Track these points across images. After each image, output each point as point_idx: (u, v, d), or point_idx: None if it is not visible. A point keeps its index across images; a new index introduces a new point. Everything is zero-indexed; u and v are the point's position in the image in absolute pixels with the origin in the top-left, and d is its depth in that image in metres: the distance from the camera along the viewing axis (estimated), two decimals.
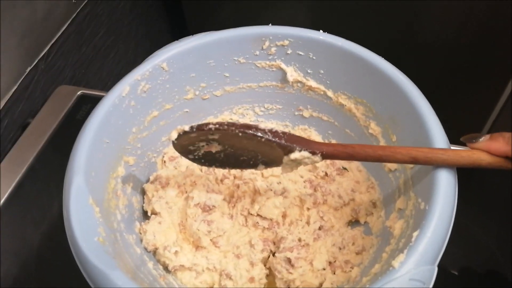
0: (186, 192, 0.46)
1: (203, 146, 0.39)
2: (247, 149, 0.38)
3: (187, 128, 0.37)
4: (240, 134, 0.37)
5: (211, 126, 0.37)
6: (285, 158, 0.37)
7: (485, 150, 0.34)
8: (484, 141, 0.34)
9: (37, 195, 0.55)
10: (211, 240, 0.43)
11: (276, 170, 0.46)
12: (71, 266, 0.46)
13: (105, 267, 0.32)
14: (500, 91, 0.78)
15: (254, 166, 0.39)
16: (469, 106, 0.82)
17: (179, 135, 0.38)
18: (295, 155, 0.37)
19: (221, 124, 0.37)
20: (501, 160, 0.34)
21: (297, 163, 0.38)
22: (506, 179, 0.52)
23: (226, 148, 0.39)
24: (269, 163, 0.39)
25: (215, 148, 0.39)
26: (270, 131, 0.37)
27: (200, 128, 0.37)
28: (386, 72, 0.42)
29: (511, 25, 0.70)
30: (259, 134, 0.36)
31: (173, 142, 0.38)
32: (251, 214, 0.44)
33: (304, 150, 0.36)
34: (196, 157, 0.40)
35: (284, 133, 0.37)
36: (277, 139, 0.36)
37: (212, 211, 0.44)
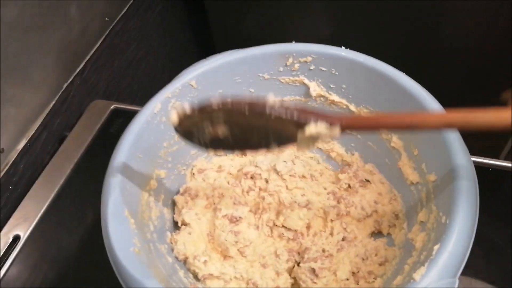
0: (214, 203, 0.48)
1: (208, 128, 0.35)
2: (257, 127, 0.34)
3: (187, 109, 0.34)
4: (247, 112, 0.33)
5: (214, 104, 0.34)
6: (300, 134, 0.33)
7: None
8: None
9: (73, 205, 0.58)
10: (238, 250, 0.45)
11: (300, 182, 0.48)
12: (104, 272, 0.49)
13: (141, 276, 0.34)
14: None
15: (266, 146, 0.35)
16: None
17: (181, 119, 0.35)
18: (310, 129, 0.32)
19: (225, 102, 0.33)
20: None
21: (314, 138, 0.33)
22: None
23: (233, 129, 0.35)
24: (282, 142, 0.35)
25: (221, 130, 0.35)
26: (281, 105, 0.33)
27: (202, 108, 0.34)
28: (407, 87, 0.43)
29: None
30: (268, 110, 0.32)
31: (174, 127, 0.35)
32: (276, 225, 0.46)
33: (320, 121, 0.32)
34: (202, 141, 0.36)
35: (297, 107, 0.33)
36: (289, 113, 0.32)
37: (239, 222, 0.45)
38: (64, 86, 0.65)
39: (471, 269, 0.45)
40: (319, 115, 0.33)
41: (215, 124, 0.34)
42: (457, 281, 0.32)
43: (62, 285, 0.50)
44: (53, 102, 0.63)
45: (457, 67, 0.78)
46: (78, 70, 0.67)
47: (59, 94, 0.64)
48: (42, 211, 0.56)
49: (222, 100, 0.33)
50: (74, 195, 0.59)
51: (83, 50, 0.68)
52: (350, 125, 0.33)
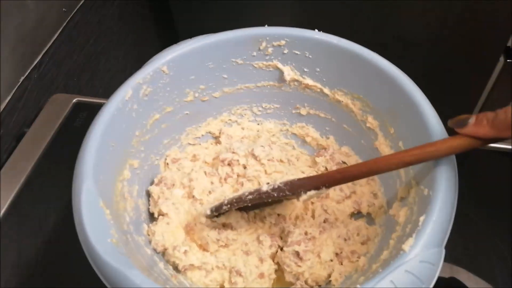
0: (193, 196, 0.46)
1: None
2: (264, 203, 0.43)
3: (208, 212, 0.43)
4: (249, 203, 0.41)
5: (224, 207, 0.42)
6: (300, 200, 0.40)
7: (473, 135, 0.33)
8: (470, 125, 0.33)
9: (35, 206, 0.54)
10: (219, 246, 0.44)
11: (279, 166, 0.47)
12: (69, 275, 0.47)
13: (123, 266, 0.32)
14: (487, 76, 0.81)
15: (279, 202, 0.44)
16: (458, 95, 0.84)
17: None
18: (303, 197, 0.39)
19: (231, 203, 0.42)
20: (489, 140, 0.33)
21: (310, 197, 0.40)
22: (506, 165, 0.55)
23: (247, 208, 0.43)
24: (289, 199, 0.43)
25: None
26: (273, 189, 0.40)
27: (217, 210, 0.42)
28: (381, 66, 0.43)
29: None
30: (264, 196, 0.40)
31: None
32: (266, 211, 0.45)
33: (309, 191, 0.39)
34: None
35: (286, 184, 0.40)
36: (281, 194, 0.40)
37: (227, 227, 0.44)
38: (21, 80, 0.61)
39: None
40: (307, 186, 0.39)
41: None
42: (443, 250, 0.32)
43: None
44: (9, 98, 0.59)
45: (421, 54, 0.81)
46: (35, 63, 0.63)
47: (15, 89, 0.60)
48: (1, 214, 0.52)
49: (229, 202, 0.42)
50: (35, 197, 0.55)
51: (40, 42, 0.64)
52: (332, 183, 0.39)
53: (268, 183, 0.41)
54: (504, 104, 0.81)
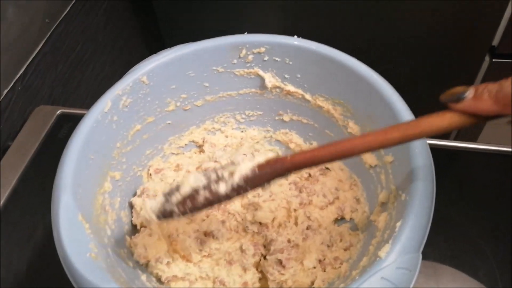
0: None
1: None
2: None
3: (154, 217, 0.35)
4: (206, 208, 0.35)
5: (175, 213, 0.35)
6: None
7: (471, 112, 0.28)
8: (468, 100, 0.28)
9: (21, 219, 0.54)
10: (202, 256, 0.44)
11: None
12: (59, 285, 0.46)
13: (100, 281, 0.32)
14: (474, 75, 0.82)
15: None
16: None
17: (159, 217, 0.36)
18: (267, 186, 0.35)
19: (183, 211, 0.35)
20: (485, 117, 0.28)
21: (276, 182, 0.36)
22: (485, 165, 0.55)
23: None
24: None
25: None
26: (233, 189, 0.34)
27: (165, 215, 0.35)
28: (360, 72, 0.43)
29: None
30: (224, 199, 0.34)
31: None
32: (248, 220, 0.45)
33: (272, 180, 0.34)
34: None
35: (246, 179, 0.34)
36: (241, 191, 0.34)
37: (211, 236, 0.44)
38: (4, 93, 0.61)
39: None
40: (268, 176, 0.34)
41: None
42: (420, 256, 0.32)
43: None
44: None
45: (406, 56, 0.81)
46: (18, 75, 0.63)
47: None
48: None
49: (181, 209, 0.35)
50: (22, 209, 0.55)
51: (23, 54, 0.64)
52: (297, 167, 0.34)
53: (226, 183, 0.34)
54: None
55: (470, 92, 0.28)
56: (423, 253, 0.32)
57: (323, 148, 0.33)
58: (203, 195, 0.34)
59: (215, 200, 0.34)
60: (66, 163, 0.38)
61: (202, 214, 0.45)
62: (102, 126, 0.42)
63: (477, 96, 0.28)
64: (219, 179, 0.34)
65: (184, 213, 0.35)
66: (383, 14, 0.76)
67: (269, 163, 0.34)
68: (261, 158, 0.35)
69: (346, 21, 0.77)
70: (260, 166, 0.34)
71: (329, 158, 0.33)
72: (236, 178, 0.34)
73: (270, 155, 0.35)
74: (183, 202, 0.34)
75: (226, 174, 0.34)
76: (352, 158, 0.34)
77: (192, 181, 0.35)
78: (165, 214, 0.35)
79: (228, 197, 0.34)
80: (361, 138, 0.32)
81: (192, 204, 0.34)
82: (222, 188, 0.34)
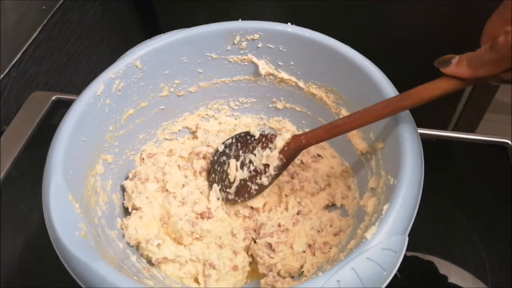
0: (167, 190, 0.46)
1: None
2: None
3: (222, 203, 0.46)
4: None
5: (237, 201, 0.46)
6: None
7: (453, 75, 0.33)
8: (452, 65, 0.33)
9: (15, 203, 0.54)
10: (193, 239, 0.44)
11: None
12: (53, 273, 0.46)
13: (88, 258, 0.32)
14: None
15: None
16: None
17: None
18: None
19: (243, 200, 0.45)
20: (462, 83, 0.33)
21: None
22: (482, 156, 0.55)
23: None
24: None
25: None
26: (273, 178, 0.44)
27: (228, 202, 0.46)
28: (352, 59, 0.43)
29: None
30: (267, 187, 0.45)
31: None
32: (239, 204, 0.45)
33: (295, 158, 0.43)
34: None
35: (278, 167, 0.43)
36: (277, 177, 0.44)
37: (197, 204, 0.45)
38: (0, 78, 0.61)
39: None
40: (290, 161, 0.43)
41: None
42: (407, 238, 0.32)
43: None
44: None
45: (406, 52, 0.81)
46: (14, 61, 0.63)
47: None
48: None
49: (241, 198, 0.45)
50: (16, 194, 0.55)
51: (20, 41, 0.64)
52: (307, 144, 0.41)
53: (265, 176, 0.44)
54: (490, 97, 0.81)
55: (455, 59, 0.33)
56: (414, 242, 0.32)
57: (337, 122, 0.40)
58: (253, 187, 0.44)
59: (262, 189, 0.44)
60: (57, 144, 0.38)
61: (194, 197, 0.45)
62: (95, 109, 0.43)
63: (458, 62, 0.32)
64: (257, 173, 0.44)
65: (243, 201, 0.45)
66: (384, 12, 0.76)
67: (288, 145, 0.42)
68: (279, 142, 0.43)
69: (345, 15, 0.77)
70: (284, 152, 0.42)
71: (344, 131, 0.40)
72: (272, 171, 0.43)
73: (287, 136, 0.42)
74: (238, 192, 0.45)
75: (261, 167, 0.43)
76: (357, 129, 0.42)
77: (234, 170, 0.45)
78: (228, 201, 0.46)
79: (269, 184, 0.44)
80: (364, 112, 0.37)
81: (248, 195, 0.44)
82: (265, 181, 0.43)
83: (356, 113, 0.38)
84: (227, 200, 0.46)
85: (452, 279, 0.46)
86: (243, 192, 0.44)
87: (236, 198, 0.45)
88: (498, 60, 0.30)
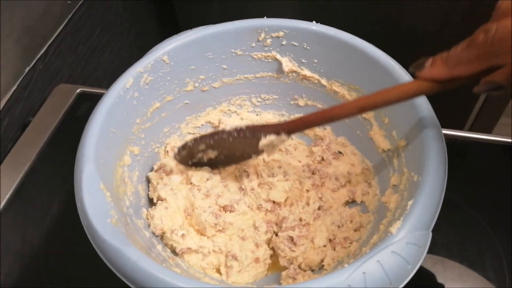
0: (191, 182, 0.47)
1: (201, 156, 0.46)
2: (235, 147, 0.44)
3: (175, 151, 0.47)
4: (212, 141, 0.45)
5: (189, 143, 0.46)
6: (260, 145, 0.42)
7: (430, 78, 0.32)
8: (427, 68, 0.32)
9: (38, 194, 0.55)
10: (216, 231, 0.45)
11: (277, 155, 0.49)
12: (72, 262, 0.48)
13: (120, 244, 0.33)
14: None
15: (248, 157, 0.45)
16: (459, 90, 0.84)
17: (176, 155, 0.47)
18: (264, 141, 0.42)
19: (195, 140, 0.46)
20: (438, 85, 0.32)
21: (272, 146, 0.43)
22: (498, 157, 0.55)
23: (221, 151, 0.45)
24: (257, 152, 0.44)
25: (212, 154, 0.46)
26: (235, 129, 0.43)
27: (183, 147, 0.46)
28: (377, 57, 0.44)
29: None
30: (224, 136, 0.44)
31: (175, 159, 0.47)
32: (262, 198, 0.46)
33: (268, 134, 0.42)
34: (203, 164, 0.47)
35: (248, 127, 0.43)
36: (241, 134, 0.43)
37: (220, 197, 0.46)
38: (26, 71, 0.62)
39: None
40: (266, 130, 0.42)
41: (205, 151, 0.46)
42: (430, 234, 0.33)
43: (28, 278, 0.48)
44: (14, 87, 0.61)
45: (422, 47, 0.81)
46: (40, 54, 0.65)
47: (20, 79, 0.61)
48: (4, 201, 0.53)
49: (193, 140, 0.46)
50: (39, 184, 0.57)
51: (45, 34, 0.66)
52: (291, 129, 0.41)
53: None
54: (506, 100, 0.81)
55: (428, 61, 0.32)
56: (432, 239, 0.33)
57: (312, 114, 0.40)
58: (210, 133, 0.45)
59: (220, 136, 0.44)
60: (89, 134, 0.40)
61: (217, 190, 0.46)
62: (124, 101, 0.44)
63: (433, 63, 0.31)
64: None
65: (194, 144, 0.45)
66: (397, 8, 0.76)
67: (270, 124, 0.44)
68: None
69: (359, 13, 0.77)
70: (261, 124, 0.44)
71: (318, 123, 0.41)
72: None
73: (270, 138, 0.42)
74: (195, 139, 0.46)
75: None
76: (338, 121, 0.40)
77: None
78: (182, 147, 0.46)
79: (229, 134, 0.43)
80: (345, 104, 0.38)
81: (201, 139, 0.45)
82: (228, 127, 0.44)
83: (327, 109, 0.39)
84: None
85: (468, 278, 0.46)
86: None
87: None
88: (476, 57, 0.29)
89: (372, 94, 0.36)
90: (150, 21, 0.95)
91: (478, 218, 0.50)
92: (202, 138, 0.45)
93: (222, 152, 0.45)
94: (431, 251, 0.45)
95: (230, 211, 0.45)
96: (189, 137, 0.53)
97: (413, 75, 0.35)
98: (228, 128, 0.44)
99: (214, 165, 0.47)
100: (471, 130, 0.84)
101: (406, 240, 0.32)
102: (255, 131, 0.42)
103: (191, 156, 0.46)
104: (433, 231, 0.33)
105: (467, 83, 0.31)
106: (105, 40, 0.80)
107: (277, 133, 0.41)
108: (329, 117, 0.39)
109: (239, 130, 0.43)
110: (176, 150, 0.47)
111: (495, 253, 0.47)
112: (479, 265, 0.47)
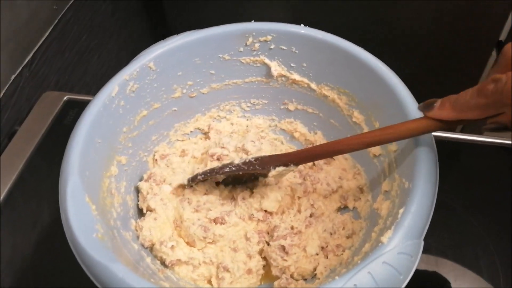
0: (183, 194, 0.47)
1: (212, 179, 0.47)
2: (243, 175, 0.45)
3: (185, 182, 0.47)
4: (223, 175, 0.45)
5: (199, 177, 0.46)
6: (269, 175, 0.43)
7: (438, 118, 0.34)
8: (436, 108, 0.33)
9: (27, 203, 0.55)
10: (206, 243, 0.44)
11: None
12: (64, 271, 0.47)
13: (106, 260, 0.32)
14: (481, 70, 0.81)
15: (256, 179, 0.46)
16: (452, 88, 0.84)
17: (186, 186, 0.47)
18: (273, 172, 0.43)
19: (205, 173, 0.45)
20: (452, 123, 0.33)
21: (280, 175, 0.44)
22: (489, 158, 0.55)
23: (228, 176, 0.46)
24: (264, 177, 0.46)
25: (220, 178, 0.47)
26: (244, 163, 0.44)
27: (193, 180, 0.46)
28: (366, 61, 0.43)
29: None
30: (233, 168, 0.44)
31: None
32: (254, 207, 0.45)
33: (277, 166, 0.42)
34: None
35: (256, 159, 0.43)
36: (251, 168, 0.43)
37: (211, 211, 0.45)
38: (12, 78, 0.61)
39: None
40: (275, 162, 0.43)
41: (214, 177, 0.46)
42: (422, 242, 0.32)
43: (20, 285, 0.47)
44: (0, 95, 0.60)
45: (413, 49, 0.81)
46: (26, 61, 0.63)
47: (6, 87, 0.60)
48: None
49: (203, 172, 0.46)
50: (28, 193, 0.56)
51: (31, 40, 0.64)
52: (300, 160, 0.42)
53: (240, 158, 0.45)
54: None
55: (437, 103, 0.33)
56: (425, 243, 0.32)
57: (319, 147, 0.42)
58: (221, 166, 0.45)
59: (228, 170, 0.44)
60: (74, 145, 0.39)
61: (208, 203, 0.46)
62: (109, 110, 0.43)
63: (441, 105, 0.33)
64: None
65: (205, 178, 0.45)
66: (391, 9, 0.76)
67: (278, 155, 0.44)
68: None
69: (353, 14, 0.77)
70: (270, 155, 0.44)
71: (323, 156, 0.43)
72: (250, 157, 0.44)
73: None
74: (205, 173, 0.46)
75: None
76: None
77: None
78: (192, 179, 0.46)
79: (239, 168, 0.44)
80: (352, 139, 0.39)
81: (211, 173, 0.45)
82: (237, 160, 0.44)
83: (334, 142, 0.40)
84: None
85: (463, 280, 0.46)
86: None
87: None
88: (485, 105, 0.30)
89: (378, 130, 0.37)
90: (140, 24, 0.94)
91: (470, 219, 0.50)
92: (212, 172, 0.45)
93: (230, 177, 0.46)
94: (424, 252, 0.45)
95: (221, 223, 0.44)
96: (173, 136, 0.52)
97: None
98: (237, 161, 0.44)
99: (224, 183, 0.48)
100: (462, 131, 0.83)
101: (398, 250, 0.31)
102: (265, 164, 0.43)
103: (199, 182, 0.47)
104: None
105: (473, 122, 0.33)
106: (93, 44, 0.78)
107: (286, 165, 0.42)
108: (336, 150, 0.41)
109: (248, 163, 0.43)
110: (186, 181, 0.47)
111: (488, 254, 0.47)
112: (473, 265, 0.46)
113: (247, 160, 0.44)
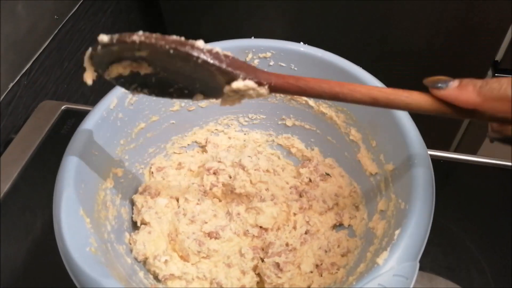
0: (178, 206, 0.46)
1: (129, 64, 0.32)
2: (183, 74, 0.31)
3: (106, 39, 0.30)
4: (172, 51, 0.29)
5: (135, 38, 0.30)
6: (226, 88, 0.31)
7: (452, 100, 0.28)
8: (452, 88, 0.28)
9: (20, 213, 0.54)
10: (200, 257, 0.44)
11: (264, 176, 0.48)
12: (56, 281, 0.46)
13: (99, 275, 0.32)
14: None
15: (190, 95, 0.33)
16: None
17: (96, 49, 0.32)
18: (238, 84, 0.30)
19: (148, 36, 0.30)
20: (466, 111, 0.28)
21: (240, 95, 0.31)
22: (484, 178, 0.55)
23: (158, 71, 0.31)
24: (208, 93, 0.32)
25: (144, 69, 0.32)
26: (210, 51, 0.30)
27: (122, 39, 0.30)
28: (364, 80, 0.44)
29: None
30: (195, 53, 0.29)
31: (90, 55, 0.33)
32: (249, 223, 0.45)
33: (248, 79, 0.30)
34: (121, 78, 0.33)
35: (227, 55, 0.31)
36: (217, 61, 0.30)
37: (206, 224, 0.45)
38: (10, 86, 0.61)
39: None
40: (249, 71, 0.31)
41: (138, 62, 0.31)
42: (418, 264, 0.32)
43: None
44: None
45: (408, 67, 0.82)
46: (24, 70, 0.63)
47: (4, 95, 0.60)
48: None
49: (145, 34, 0.30)
50: (22, 203, 0.55)
51: (31, 49, 0.64)
52: (279, 87, 0.32)
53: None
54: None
55: (455, 82, 0.28)
56: (420, 263, 0.32)
57: (314, 80, 0.33)
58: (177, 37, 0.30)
59: (188, 45, 0.30)
60: (70, 157, 0.39)
61: (204, 216, 0.45)
62: (107, 122, 0.43)
63: (461, 86, 0.28)
64: None
65: (145, 40, 0.30)
66: (387, 26, 0.77)
67: (258, 69, 0.32)
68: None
69: (352, 30, 0.78)
70: (248, 64, 0.32)
71: (315, 93, 0.33)
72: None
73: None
74: (149, 35, 0.30)
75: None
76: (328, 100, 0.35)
77: None
78: (119, 38, 0.31)
79: (201, 52, 0.30)
80: (355, 85, 0.32)
81: (157, 38, 0.30)
82: (202, 42, 0.30)
83: (335, 83, 0.33)
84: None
85: None
86: None
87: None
88: None
89: (390, 89, 0.31)
90: None
91: (464, 240, 0.50)
92: (159, 39, 0.30)
93: (159, 74, 0.32)
94: (419, 271, 0.45)
95: (215, 238, 0.44)
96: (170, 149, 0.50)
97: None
98: (201, 45, 0.30)
99: (135, 85, 0.34)
100: (456, 150, 0.84)
101: (393, 272, 0.31)
102: (235, 67, 0.30)
103: (115, 59, 0.32)
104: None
105: (485, 121, 0.28)
106: None
107: (260, 83, 0.31)
108: (334, 93, 0.31)
109: (215, 54, 0.30)
110: (101, 43, 0.31)
111: (482, 275, 0.47)
112: (467, 286, 0.46)
113: (215, 51, 0.30)
